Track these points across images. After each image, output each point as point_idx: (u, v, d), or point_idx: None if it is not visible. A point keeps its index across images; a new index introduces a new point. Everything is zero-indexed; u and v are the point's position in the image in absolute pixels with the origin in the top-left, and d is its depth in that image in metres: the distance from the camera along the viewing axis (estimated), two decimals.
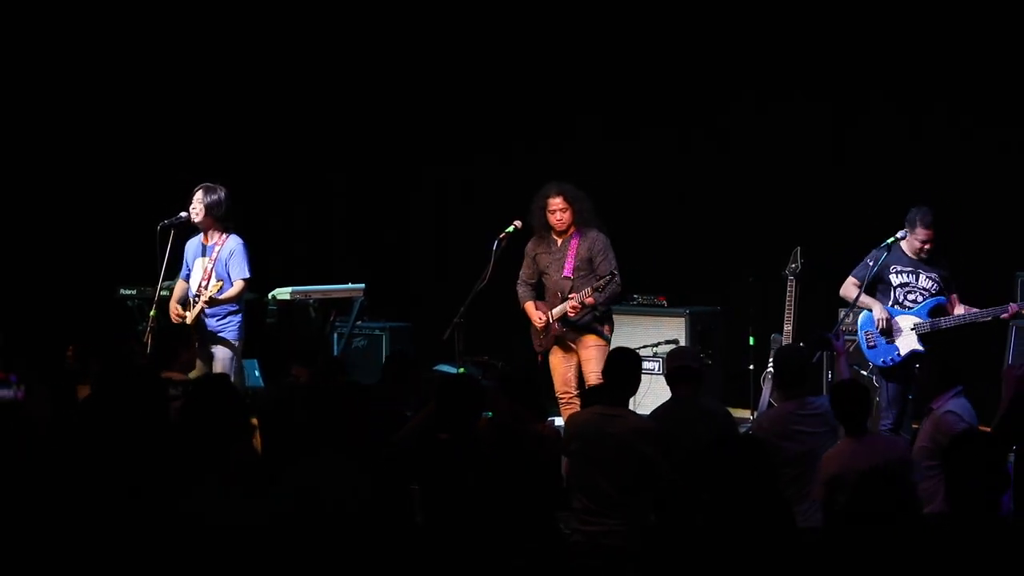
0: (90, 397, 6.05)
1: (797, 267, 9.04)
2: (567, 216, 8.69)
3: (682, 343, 10.15)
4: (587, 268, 8.66)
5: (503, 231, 8.93)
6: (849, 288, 8.49)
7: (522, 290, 8.90)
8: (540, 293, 8.88)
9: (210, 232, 8.72)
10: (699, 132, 11.51)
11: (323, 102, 12.67)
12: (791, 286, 9.02)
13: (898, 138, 10.66)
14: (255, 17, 12.48)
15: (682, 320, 10.42)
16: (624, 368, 6.72)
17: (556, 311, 8.66)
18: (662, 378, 10.32)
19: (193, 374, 7.80)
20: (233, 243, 8.68)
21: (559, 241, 8.75)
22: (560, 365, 8.78)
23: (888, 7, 10.54)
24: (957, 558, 4.32)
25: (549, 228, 8.74)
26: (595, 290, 8.51)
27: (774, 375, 8.34)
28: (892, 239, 8.47)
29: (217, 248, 8.66)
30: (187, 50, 12.39)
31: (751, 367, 9.83)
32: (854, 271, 8.51)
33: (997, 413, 6.46)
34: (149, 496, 4.58)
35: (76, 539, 4.37)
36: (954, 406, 6.67)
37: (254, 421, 6.22)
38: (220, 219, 8.69)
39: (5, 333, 9.33)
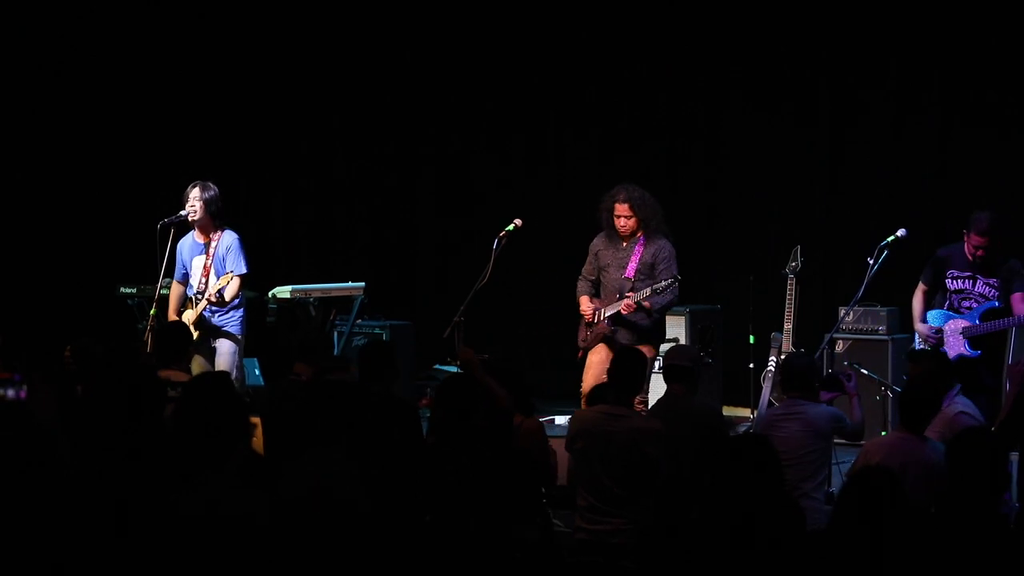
0: (84, 393, 6.05)
1: (797, 266, 9.04)
2: (631, 223, 8.58)
3: (682, 341, 10.16)
4: (648, 273, 8.54)
5: (503, 229, 8.92)
6: (917, 297, 8.46)
7: (581, 284, 8.81)
8: (598, 292, 8.77)
9: (206, 229, 8.73)
10: (699, 131, 11.52)
11: (324, 100, 12.69)
12: (791, 285, 9.01)
13: (897, 137, 10.66)
14: (255, 16, 12.50)
15: (682, 319, 10.42)
16: (629, 368, 6.73)
17: (610, 308, 8.54)
18: (662, 376, 10.39)
19: (195, 370, 7.81)
20: (228, 238, 8.69)
21: (624, 244, 8.67)
22: (599, 365, 8.48)
23: (887, 5, 10.55)
24: (957, 555, 4.32)
25: (614, 229, 8.66)
26: (655, 292, 8.38)
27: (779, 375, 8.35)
28: (892, 237, 8.47)
29: (213, 244, 8.67)
30: (187, 49, 12.40)
31: (751, 366, 9.83)
32: (922, 275, 8.48)
33: (1000, 410, 6.45)
34: (146, 493, 4.58)
35: (78, 538, 4.38)
36: (964, 405, 6.67)
37: (255, 420, 6.22)
38: (216, 215, 8.71)
39: (6, 333, 9.32)
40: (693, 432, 6.63)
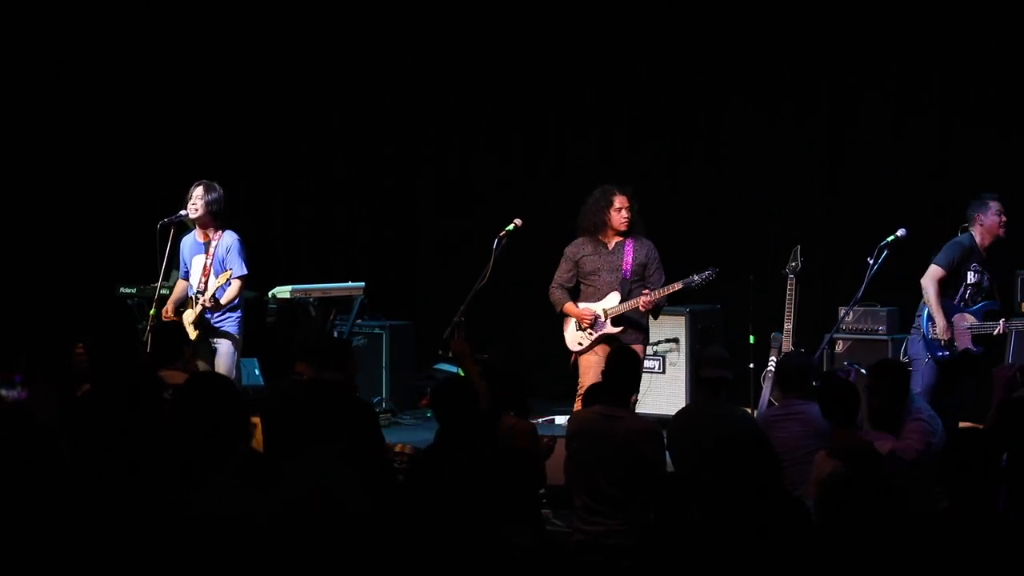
0: (88, 393, 6.05)
1: (797, 266, 9.04)
2: (631, 215, 8.49)
3: (683, 342, 10.17)
4: (640, 274, 8.46)
5: (503, 229, 8.91)
6: (931, 280, 8.24)
7: (559, 293, 8.62)
8: (574, 297, 8.63)
9: (206, 229, 8.75)
10: (699, 131, 11.52)
11: (324, 100, 12.69)
12: (791, 285, 9.01)
13: (897, 137, 10.67)
14: (255, 16, 12.50)
15: (682, 319, 10.42)
16: (625, 369, 6.71)
17: (622, 306, 8.38)
18: (663, 377, 10.40)
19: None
20: (229, 239, 8.70)
21: (611, 244, 8.54)
22: (599, 364, 8.13)
23: (887, 5, 10.55)
24: (957, 555, 4.33)
25: (604, 229, 8.51)
26: (687, 286, 8.32)
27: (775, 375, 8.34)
28: (892, 237, 8.47)
29: (213, 244, 8.68)
30: (188, 49, 12.41)
31: (751, 366, 9.82)
32: (937, 258, 8.29)
33: (988, 415, 6.46)
34: (146, 493, 4.58)
35: (78, 538, 4.38)
36: (927, 411, 6.68)
37: (255, 420, 6.21)
38: (217, 216, 8.72)
39: (6, 332, 9.33)
40: (708, 434, 6.59)
